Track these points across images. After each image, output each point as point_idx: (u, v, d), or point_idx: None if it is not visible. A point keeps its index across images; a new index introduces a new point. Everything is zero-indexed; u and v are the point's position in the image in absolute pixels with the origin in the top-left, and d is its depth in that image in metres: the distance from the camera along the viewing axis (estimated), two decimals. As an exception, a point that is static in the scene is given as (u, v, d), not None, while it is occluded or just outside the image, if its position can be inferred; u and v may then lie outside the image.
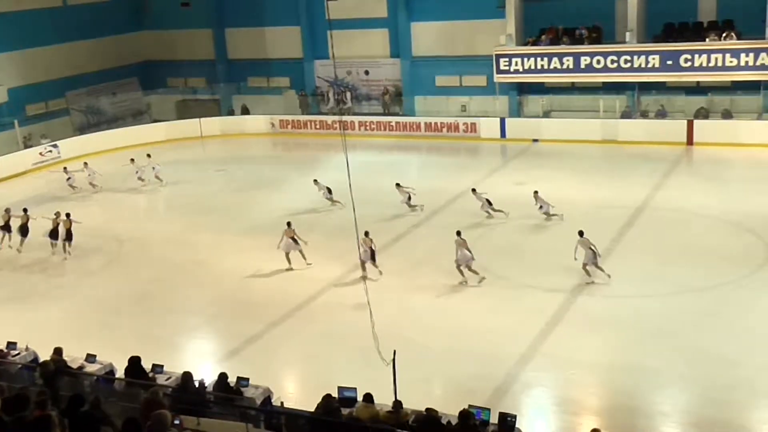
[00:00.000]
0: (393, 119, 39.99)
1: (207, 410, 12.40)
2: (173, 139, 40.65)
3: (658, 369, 15.59)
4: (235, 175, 33.83)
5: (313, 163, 34.66)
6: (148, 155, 32.85)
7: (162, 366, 14.31)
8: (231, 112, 44.05)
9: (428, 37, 40.66)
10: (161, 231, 26.58)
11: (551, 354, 16.50)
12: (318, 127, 40.92)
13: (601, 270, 19.70)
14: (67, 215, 24.51)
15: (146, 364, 13.96)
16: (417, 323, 18.26)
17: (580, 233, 19.92)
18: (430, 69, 40.56)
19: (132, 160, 32.58)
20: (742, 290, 18.87)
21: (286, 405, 13.72)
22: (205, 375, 14.02)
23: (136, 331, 18.70)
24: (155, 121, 43.42)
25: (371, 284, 18.43)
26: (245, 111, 43.55)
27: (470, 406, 12.21)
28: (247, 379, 13.63)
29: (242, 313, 19.57)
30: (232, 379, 13.48)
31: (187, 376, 12.93)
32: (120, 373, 14.19)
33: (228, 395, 13.03)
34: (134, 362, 13.64)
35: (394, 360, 13.06)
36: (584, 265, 19.66)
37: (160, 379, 13.73)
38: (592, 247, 19.66)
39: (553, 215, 24.67)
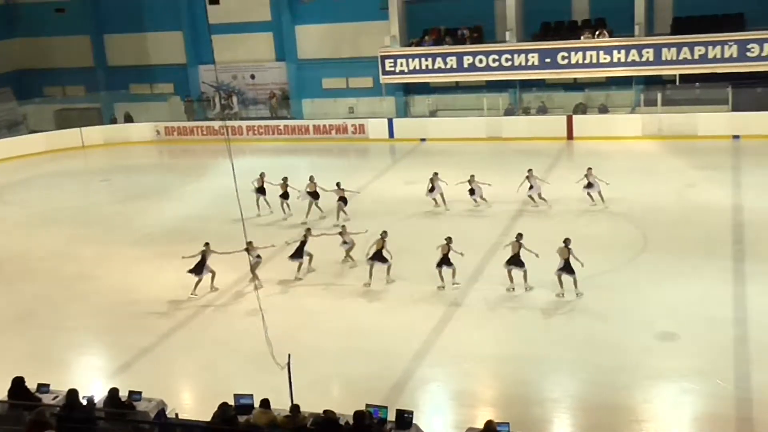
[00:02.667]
0: (281, 123, 39.81)
1: (96, 427, 12.03)
2: (53, 149, 39.22)
3: (547, 357, 16.10)
4: (120, 184, 32.94)
5: (201, 170, 34.11)
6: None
7: (48, 385, 13.75)
8: (114, 121, 42.81)
9: (313, 39, 40.68)
10: (43, 245, 25.57)
11: (445, 349, 16.78)
12: (205, 133, 40.29)
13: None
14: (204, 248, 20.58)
15: (32, 385, 13.42)
16: (311, 326, 18.26)
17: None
18: (317, 71, 40.60)
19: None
20: (622, 277, 19.67)
21: (181, 416, 13.45)
22: (96, 391, 13.59)
23: (21, 351, 17.90)
24: (33, 131, 41.71)
25: (264, 289, 18.35)
26: (129, 119, 42.39)
27: (368, 405, 12.29)
28: (140, 393, 13.27)
29: (133, 326, 19.05)
30: (123, 394, 13.11)
31: (72, 394, 12.50)
32: (3, 395, 13.59)
33: (119, 410, 12.68)
34: (18, 383, 13.08)
35: (289, 364, 13.01)
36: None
37: (46, 399, 13.20)
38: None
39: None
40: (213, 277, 20.41)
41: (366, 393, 14.05)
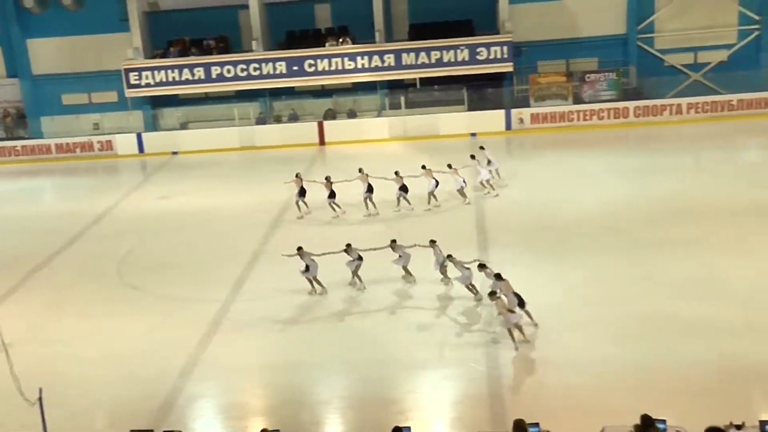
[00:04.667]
0: (18, 143, 37.24)
1: None
2: None
3: (314, 361, 16.29)
4: None
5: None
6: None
7: None
8: None
9: (49, 53, 38.44)
10: None
11: (212, 363, 16.52)
12: (-74, 158, 36.80)
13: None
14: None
15: None
16: (67, 355, 17.17)
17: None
18: (55, 87, 38.44)
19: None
20: (377, 274, 20.19)
21: None
22: None
23: None
24: None
25: (10, 321, 17.05)
26: None
27: (132, 430, 11.87)
28: None
29: None
30: None
31: None
32: None
33: None
34: None
35: (41, 398, 12.21)
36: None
37: None
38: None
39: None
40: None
41: (132, 418, 13.55)
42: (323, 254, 19.31)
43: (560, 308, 17.46)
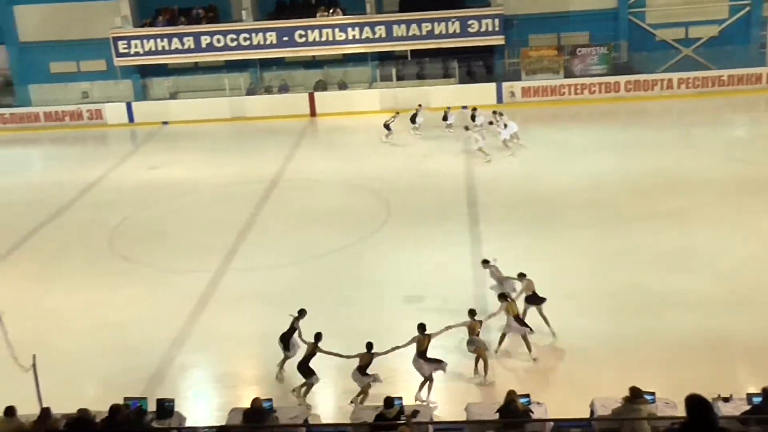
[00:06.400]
0: (6, 111, 36.89)
1: None
2: None
3: (305, 331, 16.35)
4: None
5: None
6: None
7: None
8: None
9: (37, 20, 37.95)
10: None
11: (204, 333, 16.61)
12: None
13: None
14: None
15: None
16: (58, 325, 17.25)
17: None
18: (43, 55, 37.96)
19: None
20: (372, 247, 20.46)
21: None
22: None
23: None
24: None
25: (3, 291, 17.08)
26: None
27: (126, 398, 11.97)
28: None
29: None
30: None
31: None
32: None
33: None
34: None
35: (34, 365, 12.27)
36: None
37: None
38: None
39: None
40: None
41: (124, 387, 13.60)
42: (508, 278, 16.54)
43: (547, 281, 17.43)
